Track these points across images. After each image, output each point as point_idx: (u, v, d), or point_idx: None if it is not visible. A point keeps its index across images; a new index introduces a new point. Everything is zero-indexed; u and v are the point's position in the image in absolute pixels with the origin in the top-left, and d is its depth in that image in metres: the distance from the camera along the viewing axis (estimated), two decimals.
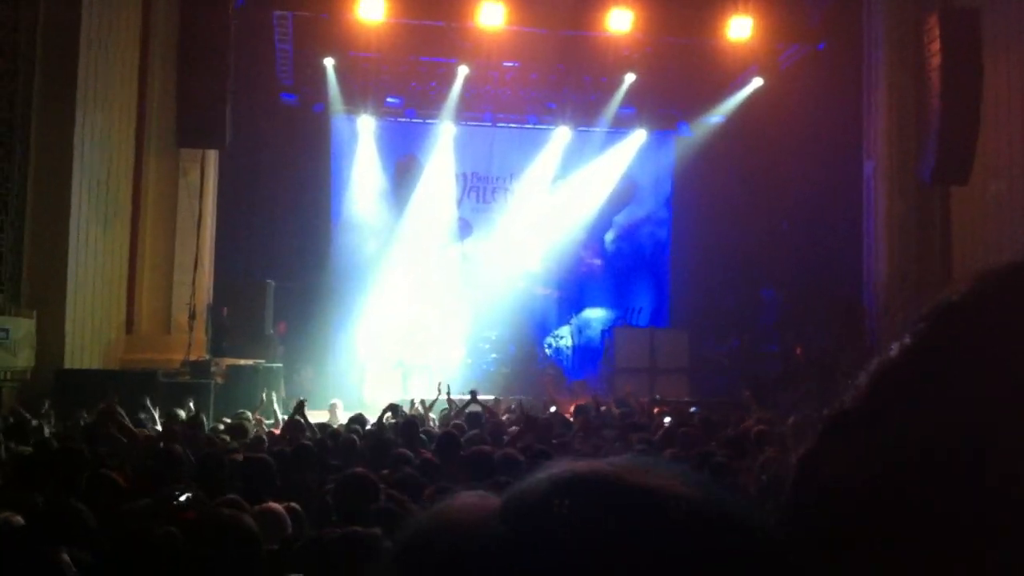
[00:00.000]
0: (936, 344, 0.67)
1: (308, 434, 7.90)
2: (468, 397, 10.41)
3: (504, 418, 10.18)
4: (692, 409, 9.90)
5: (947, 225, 14.82)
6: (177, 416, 9.29)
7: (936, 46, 13.87)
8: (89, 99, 12.15)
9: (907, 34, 14.73)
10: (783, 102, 16.06)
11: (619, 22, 14.71)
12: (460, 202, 17.74)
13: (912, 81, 14.61)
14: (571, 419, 10.21)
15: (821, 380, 13.51)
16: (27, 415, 8.77)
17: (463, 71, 16.20)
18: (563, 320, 17.96)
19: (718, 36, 15.21)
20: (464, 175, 17.70)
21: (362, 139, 17.01)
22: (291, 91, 16.42)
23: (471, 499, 0.67)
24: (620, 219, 18.34)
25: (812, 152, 16.10)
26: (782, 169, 16.31)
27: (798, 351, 15.35)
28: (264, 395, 11.27)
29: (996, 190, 13.70)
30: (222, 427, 8.99)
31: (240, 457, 6.00)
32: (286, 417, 9.67)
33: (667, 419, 10.35)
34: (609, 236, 18.34)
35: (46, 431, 8.15)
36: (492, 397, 13.85)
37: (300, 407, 9.20)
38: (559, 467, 0.66)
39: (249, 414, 9.80)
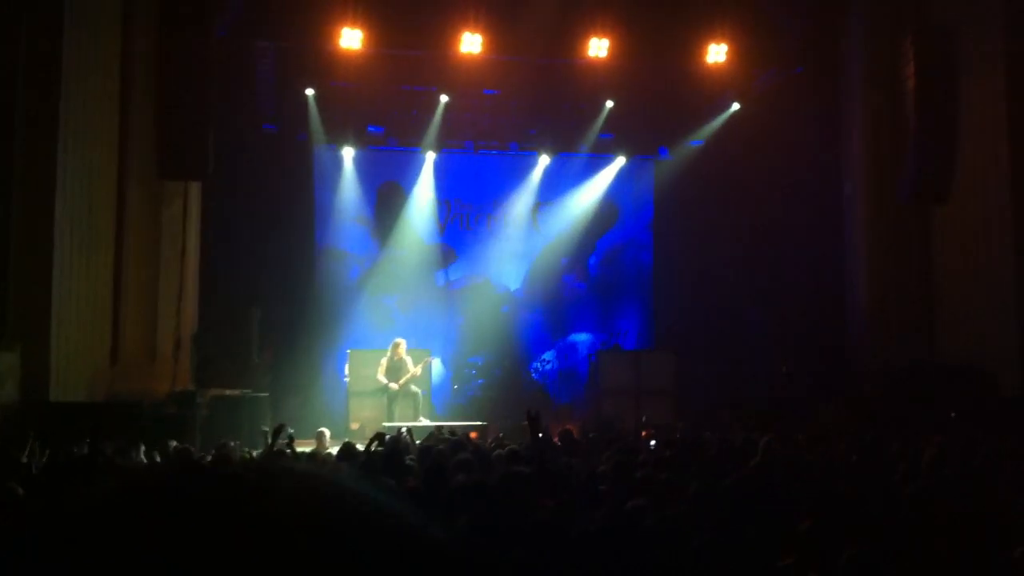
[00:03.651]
0: None
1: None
2: (456, 424, 10.40)
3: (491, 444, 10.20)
4: (678, 435, 9.98)
5: (928, 244, 14.98)
6: (167, 450, 9.28)
7: (911, 68, 14.07)
8: (71, 131, 12.14)
9: (883, 57, 14.92)
10: (762, 125, 16.26)
11: (597, 50, 14.90)
12: (443, 228, 17.81)
13: (889, 103, 14.79)
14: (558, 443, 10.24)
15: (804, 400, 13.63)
16: (12, 448, 8.72)
17: (444, 99, 16.34)
18: (548, 344, 18.02)
19: (695, 62, 15.41)
20: (447, 202, 17.77)
21: (345, 167, 17.09)
22: (273, 121, 16.48)
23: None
24: (603, 243, 18.45)
25: (792, 174, 16.29)
26: (762, 192, 16.47)
27: (783, 370, 15.44)
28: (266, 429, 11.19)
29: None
30: (208, 458, 8.98)
31: None
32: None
33: (652, 442, 10.44)
34: (593, 260, 18.44)
35: (33, 468, 8.10)
36: (482, 423, 13.92)
37: (280, 431, 9.14)
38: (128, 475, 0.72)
39: (232, 444, 9.79)
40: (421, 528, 0.70)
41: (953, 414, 11.68)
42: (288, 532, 0.63)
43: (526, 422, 7.68)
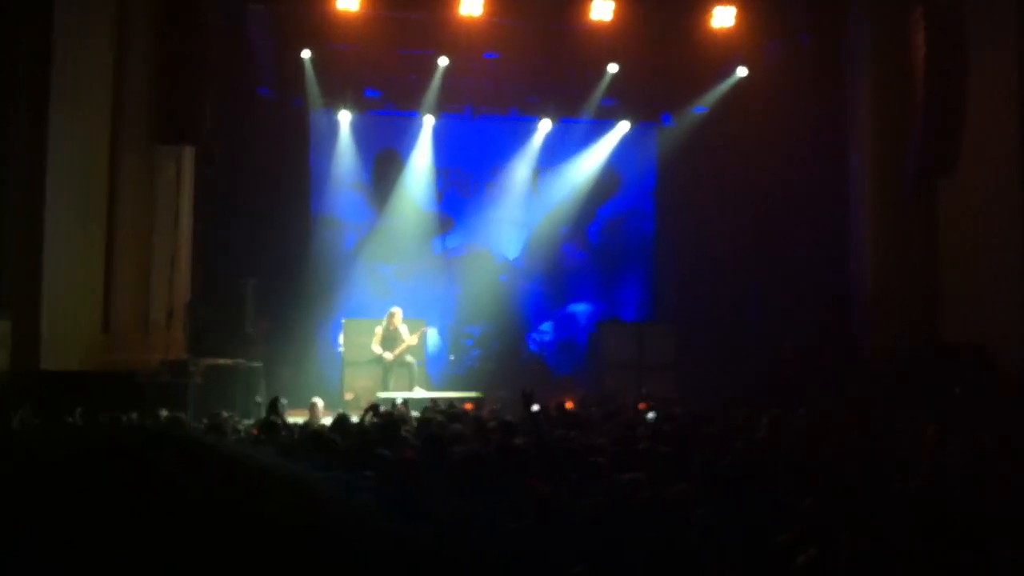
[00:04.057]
0: None
1: (284, 434, 7.77)
2: (452, 394, 10.27)
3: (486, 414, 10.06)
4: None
5: (934, 217, 14.75)
6: (159, 418, 9.16)
7: (921, 38, 13.81)
8: (64, 97, 11.92)
9: (892, 26, 14.62)
10: (767, 94, 15.97)
11: (601, 13, 14.62)
12: (441, 196, 17.58)
13: (897, 74, 14.52)
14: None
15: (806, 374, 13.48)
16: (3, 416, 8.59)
17: (443, 63, 16.04)
18: (547, 315, 17.84)
19: (701, 26, 15.14)
20: (445, 169, 17.53)
21: (341, 133, 16.84)
22: (268, 85, 16.20)
23: None
24: (604, 212, 18.20)
25: (797, 144, 16.01)
26: (767, 161, 16.20)
27: (785, 344, 15.28)
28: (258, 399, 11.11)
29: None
30: (202, 426, 8.85)
31: None
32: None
33: (651, 414, 10.26)
34: (593, 229, 18.21)
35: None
36: (478, 394, 13.74)
37: (275, 405, 9.03)
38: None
39: (225, 415, 9.65)
40: (324, 492, 0.70)
41: (957, 389, 11.54)
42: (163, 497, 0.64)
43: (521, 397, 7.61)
